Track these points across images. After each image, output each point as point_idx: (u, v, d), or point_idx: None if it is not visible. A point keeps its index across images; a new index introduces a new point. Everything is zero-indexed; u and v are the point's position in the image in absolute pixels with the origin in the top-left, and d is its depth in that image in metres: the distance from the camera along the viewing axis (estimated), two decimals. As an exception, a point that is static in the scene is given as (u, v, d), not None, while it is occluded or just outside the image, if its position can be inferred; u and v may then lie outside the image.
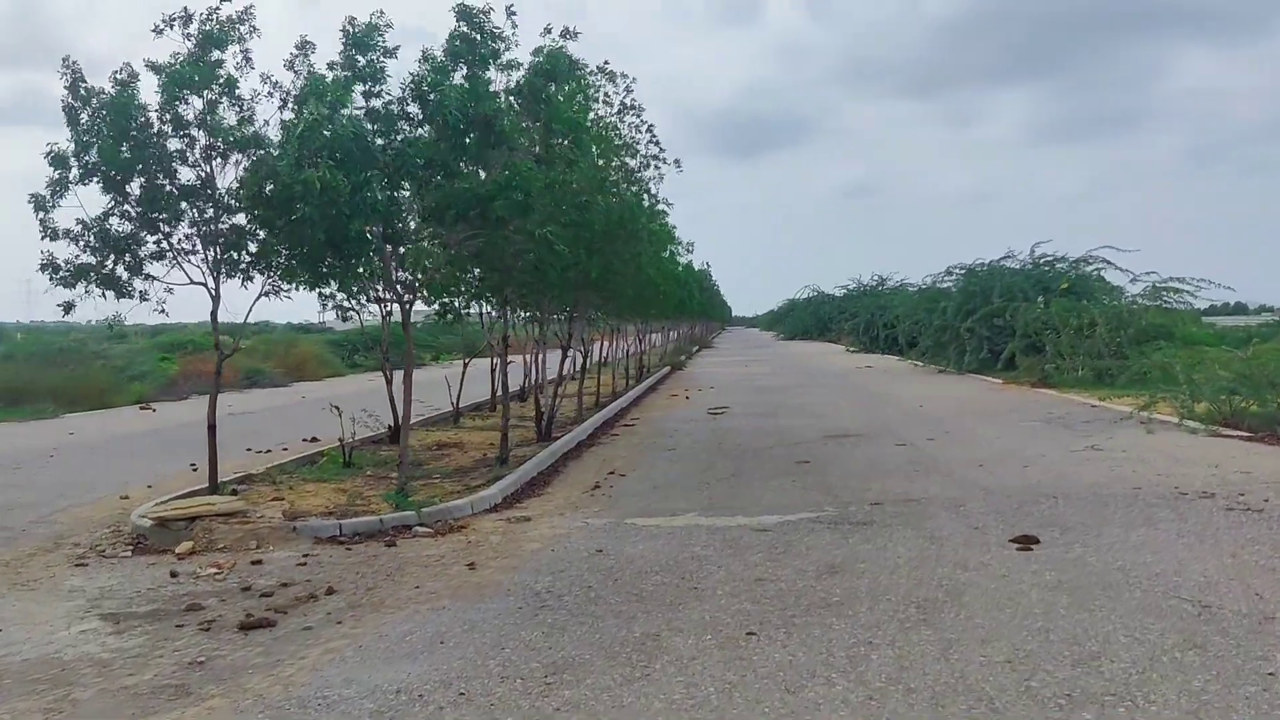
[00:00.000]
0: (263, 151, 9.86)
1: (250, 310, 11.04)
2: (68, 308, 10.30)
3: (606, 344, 33.18)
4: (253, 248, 10.47)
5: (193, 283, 10.65)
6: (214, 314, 10.83)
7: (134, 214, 10.21)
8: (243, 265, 10.20)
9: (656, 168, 16.86)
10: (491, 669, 5.81)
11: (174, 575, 8.40)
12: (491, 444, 16.30)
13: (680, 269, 31.43)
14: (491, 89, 9.82)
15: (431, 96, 9.39)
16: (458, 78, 9.60)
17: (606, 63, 16.04)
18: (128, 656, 6.34)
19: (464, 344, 23.81)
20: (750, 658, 5.82)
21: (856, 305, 56.54)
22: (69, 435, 19.64)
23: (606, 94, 15.94)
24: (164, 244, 10.42)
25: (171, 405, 27.20)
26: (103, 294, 10.09)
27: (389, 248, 10.17)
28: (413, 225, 10.21)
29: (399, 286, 10.69)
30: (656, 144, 16.86)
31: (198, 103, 10.44)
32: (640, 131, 16.66)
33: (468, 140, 9.58)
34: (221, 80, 10.51)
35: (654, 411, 22.32)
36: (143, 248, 10.44)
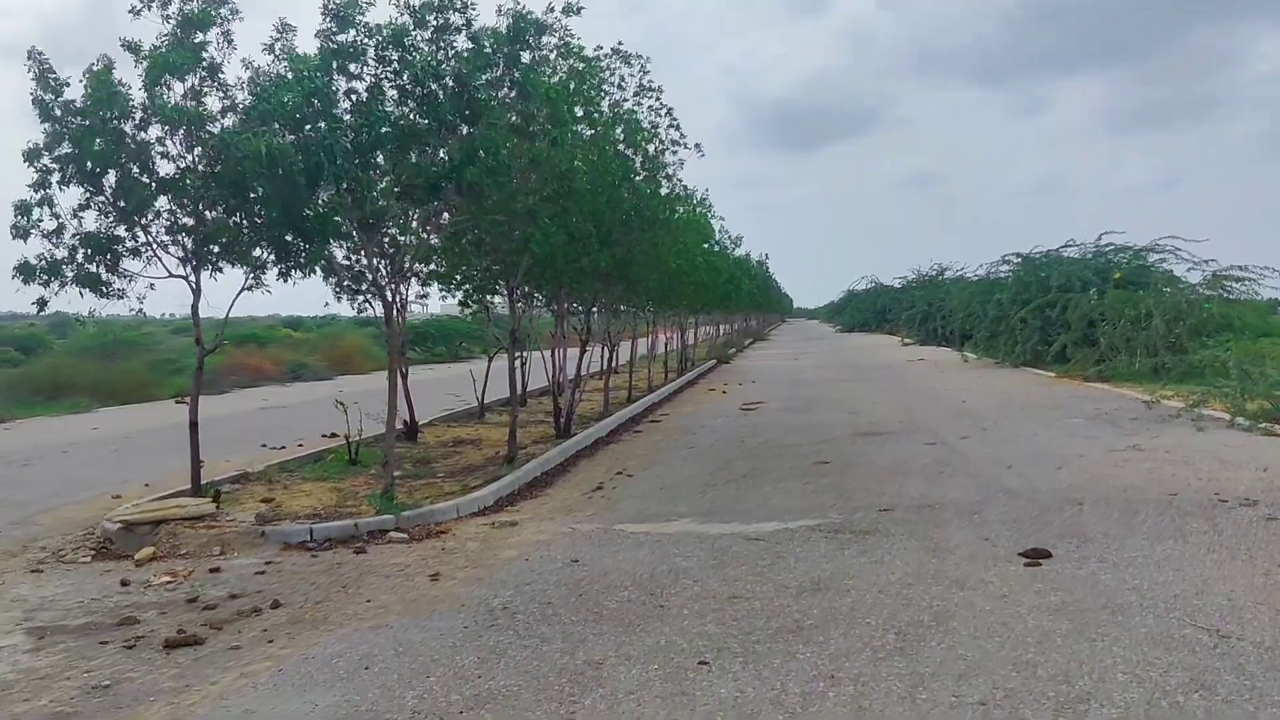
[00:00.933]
0: (215, 128, 9.26)
1: (232, 304, 10.56)
2: (41, 304, 9.92)
3: (653, 337, 32.67)
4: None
5: (171, 275, 10.22)
6: (194, 308, 10.38)
7: (111, 208, 9.78)
8: (211, 256, 9.62)
9: (674, 152, 16.15)
10: (407, 701, 5.24)
11: (124, 584, 7.96)
12: (504, 438, 15.86)
13: (726, 260, 30.65)
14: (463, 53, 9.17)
15: (395, 55, 8.78)
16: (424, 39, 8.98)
17: (620, 43, 15.41)
18: (34, 678, 5.88)
19: (487, 337, 23.38)
20: (694, 692, 5.19)
21: (913, 296, 55.18)
22: (92, 430, 19.51)
23: (622, 77, 15.32)
24: (141, 239, 9.96)
25: (209, 399, 27.00)
26: (80, 292, 9.68)
27: (357, 230, 9.56)
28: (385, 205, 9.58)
29: (382, 273, 10.07)
30: (676, 128, 16.17)
31: (179, 88, 10.00)
32: (660, 115, 15.99)
33: (439, 105, 8.95)
34: (205, 65, 10.06)
35: (686, 407, 21.67)
36: (120, 244, 9.99)
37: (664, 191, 16.32)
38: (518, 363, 14.83)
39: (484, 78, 9.11)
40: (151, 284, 10.31)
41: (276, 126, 8.24)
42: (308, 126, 8.51)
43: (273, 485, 12.14)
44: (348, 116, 8.84)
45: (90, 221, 9.75)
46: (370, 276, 9.72)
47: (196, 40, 9.85)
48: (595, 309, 17.45)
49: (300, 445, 15.92)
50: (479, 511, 10.34)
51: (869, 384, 26.10)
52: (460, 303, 16.81)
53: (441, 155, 9.17)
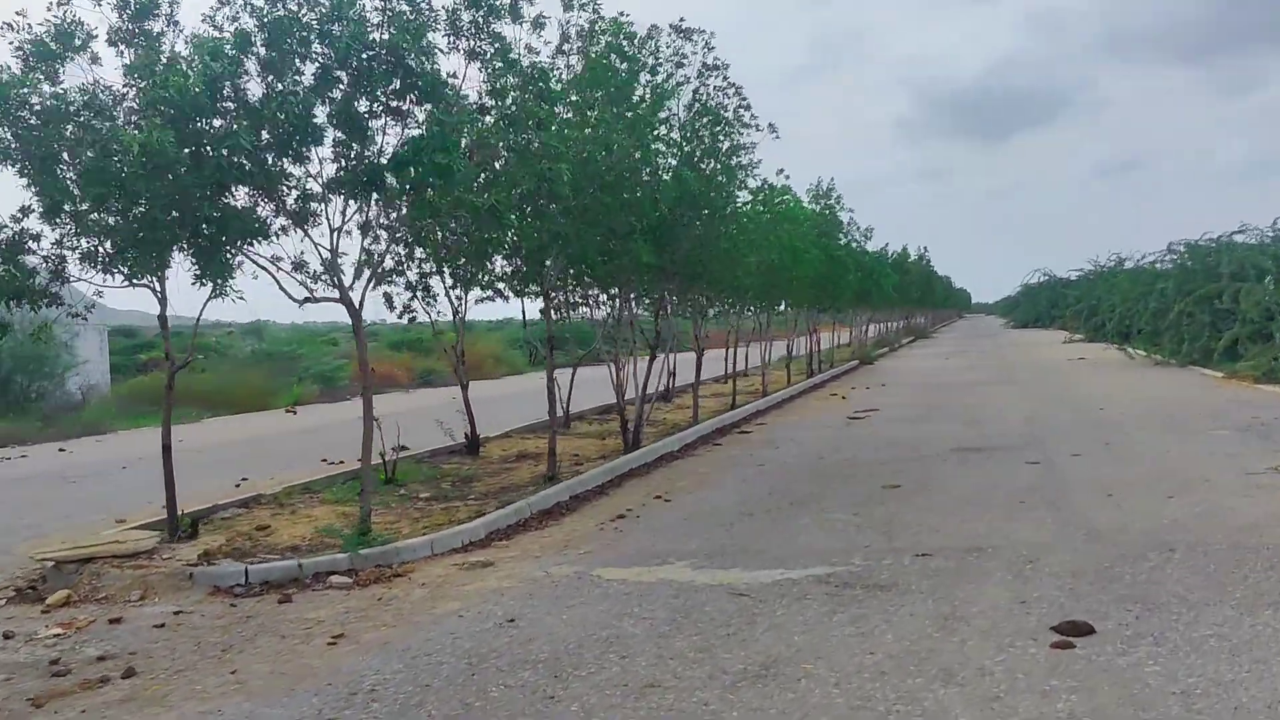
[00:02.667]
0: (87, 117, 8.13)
1: (201, 312, 9.53)
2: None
3: (789, 339, 30.95)
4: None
5: (134, 284, 9.26)
6: (161, 317, 9.46)
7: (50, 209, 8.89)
8: (102, 260, 8.52)
9: (740, 132, 14.53)
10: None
11: (8, 636, 7.03)
12: (577, 453, 14.63)
13: (853, 255, 28.64)
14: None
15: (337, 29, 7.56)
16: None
17: (682, 20, 13.94)
18: None
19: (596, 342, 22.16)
20: None
21: (1081, 290, 51.36)
22: (178, 442, 19.17)
23: (682, 55, 13.84)
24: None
25: (325, 407, 26.88)
26: (8, 305, 8.78)
27: (295, 228, 8.34)
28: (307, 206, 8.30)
29: (345, 274, 8.81)
30: (747, 108, 14.56)
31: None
32: (729, 96, 14.44)
33: (374, 81, 7.68)
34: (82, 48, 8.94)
35: (791, 415, 19.96)
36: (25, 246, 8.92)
37: (728, 179, 14.71)
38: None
39: (428, 46, 7.79)
40: (99, 292, 9.33)
41: (159, 120, 7.11)
42: (205, 118, 7.37)
43: (281, 509, 11.23)
44: (264, 107, 7.66)
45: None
46: (333, 279, 8.56)
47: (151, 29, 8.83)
48: (659, 308, 15.93)
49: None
50: (463, 546, 9.09)
51: (1009, 387, 23.80)
52: (542, 311, 15.61)
53: (380, 144, 7.94)
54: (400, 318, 14.50)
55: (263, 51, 7.75)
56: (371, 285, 9.27)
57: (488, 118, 8.79)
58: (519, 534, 9.68)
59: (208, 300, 9.41)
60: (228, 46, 7.59)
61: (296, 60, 7.61)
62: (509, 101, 8.99)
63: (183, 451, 17.49)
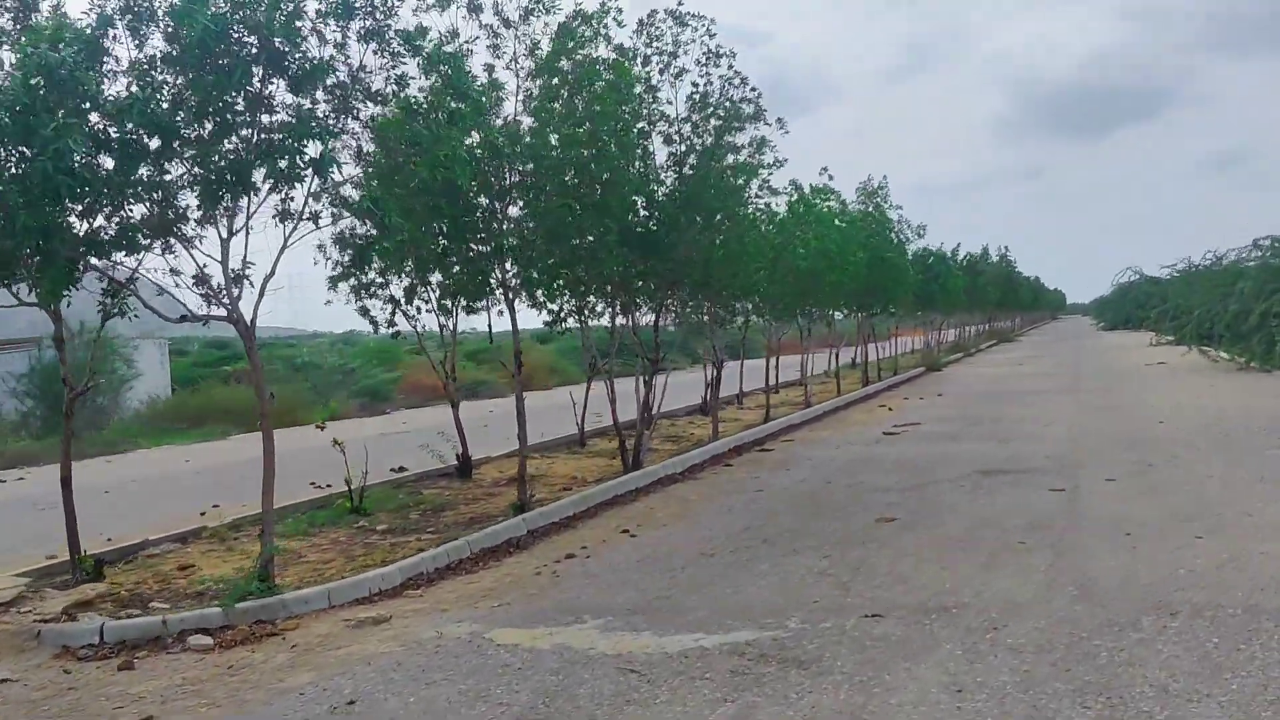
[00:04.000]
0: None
1: (101, 327, 8.67)
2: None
3: (833, 347, 29.56)
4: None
5: (21, 303, 8.45)
6: (57, 339, 8.64)
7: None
8: None
9: (746, 122, 13.32)
10: None
11: None
12: (576, 475, 13.62)
13: (901, 256, 27.09)
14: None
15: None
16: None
17: (681, 2, 12.82)
18: None
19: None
20: None
21: (1169, 289, 48.62)
22: (184, 463, 18.63)
23: (678, 43, 12.75)
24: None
25: (360, 423, 26.15)
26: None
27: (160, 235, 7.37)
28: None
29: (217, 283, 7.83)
30: (754, 101, 13.36)
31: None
32: (734, 87, 13.26)
33: (232, 70, 6.70)
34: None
35: (824, 430, 18.60)
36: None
37: (735, 177, 13.50)
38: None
39: (296, 26, 6.78)
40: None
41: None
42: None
43: (219, 545, 10.40)
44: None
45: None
46: (214, 288, 7.60)
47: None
48: (659, 315, 14.75)
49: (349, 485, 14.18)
50: (368, 597, 8.07)
51: (1068, 397, 22.14)
52: (547, 323, 14.55)
53: (243, 136, 6.96)
54: (376, 331, 13.67)
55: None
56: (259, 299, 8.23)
57: (381, 108, 7.77)
58: (445, 579, 8.63)
59: (104, 320, 8.60)
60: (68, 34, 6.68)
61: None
62: (418, 91, 7.97)
63: (182, 474, 17.04)
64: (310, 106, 6.91)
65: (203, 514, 12.12)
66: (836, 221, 21.16)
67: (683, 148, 12.81)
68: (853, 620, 6.52)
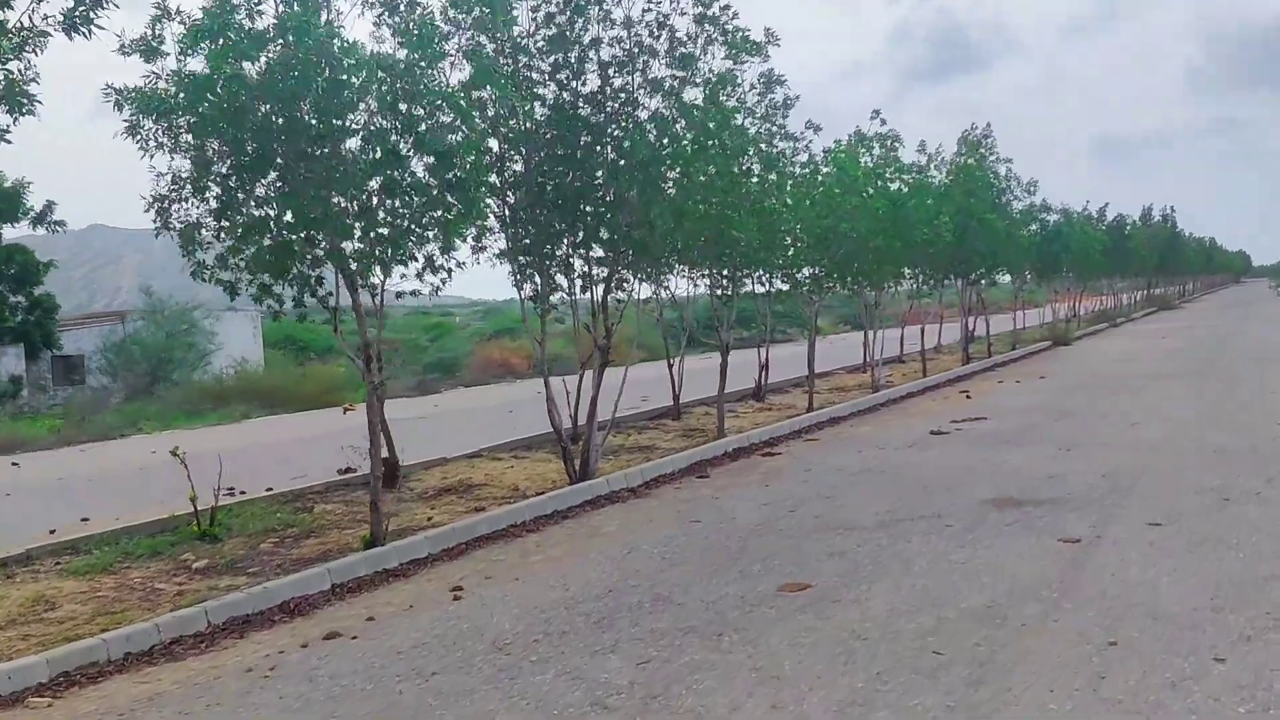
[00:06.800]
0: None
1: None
2: None
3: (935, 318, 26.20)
4: None
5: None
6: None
7: None
8: None
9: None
10: None
11: None
12: (516, 487, 11.19)
13: (996, 212, 23.39)
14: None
15: None
16: None
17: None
18: None
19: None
20: None
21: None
22: (151, 454, 16.85)
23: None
24: None
25: (391, 403, 24.10)
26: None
27: None
28: None
29: None
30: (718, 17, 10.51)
31: None
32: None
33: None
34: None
35: (868, 426, 15.51)
36: None
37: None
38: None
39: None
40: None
41: None
42: None
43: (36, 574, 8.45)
44: None
45: None
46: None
47: None
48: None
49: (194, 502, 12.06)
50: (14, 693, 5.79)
51: (1191, 384, 18.50)
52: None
53: None
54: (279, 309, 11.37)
55: None
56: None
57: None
58: (135, 668, 6.26)
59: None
60: None
61: None
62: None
63: (117, 472, 15.12)
64: None
65: (52, 531, 10.16)
66: (902, 177, 17.97)
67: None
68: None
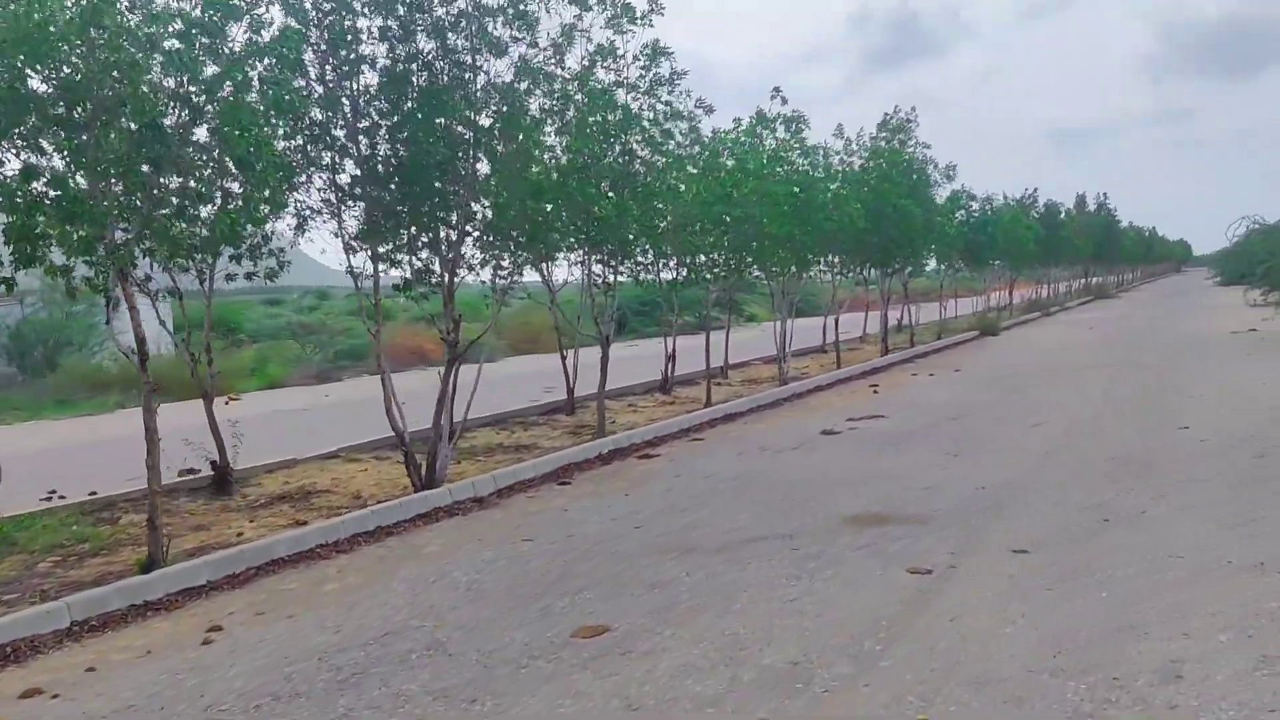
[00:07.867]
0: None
1: None
2: None
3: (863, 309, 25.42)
4: None
5: None
6: None
7: None
8: None
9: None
10: None
11: None
12: (358, 495, 10.15)
13: (920, 199, 22.55)
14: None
15: None
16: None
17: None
18: None
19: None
20: None
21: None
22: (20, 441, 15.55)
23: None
24: None
25: (289, 392, 22.91)
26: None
27: None
28: None
29: None
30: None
31: None
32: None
33: None
34: None
35: (763, 424, 14.60)
36: None
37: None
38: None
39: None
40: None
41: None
42: None
43: None
44: None
45: None
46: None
47: None
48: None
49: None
50: None
51: (1107, 377, 17.83)
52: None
53: None
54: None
55: None
56: None
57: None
58: None
59: None
60: None
61: None
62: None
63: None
64: None
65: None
66: (806, 161, 17.01)
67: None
68: None
